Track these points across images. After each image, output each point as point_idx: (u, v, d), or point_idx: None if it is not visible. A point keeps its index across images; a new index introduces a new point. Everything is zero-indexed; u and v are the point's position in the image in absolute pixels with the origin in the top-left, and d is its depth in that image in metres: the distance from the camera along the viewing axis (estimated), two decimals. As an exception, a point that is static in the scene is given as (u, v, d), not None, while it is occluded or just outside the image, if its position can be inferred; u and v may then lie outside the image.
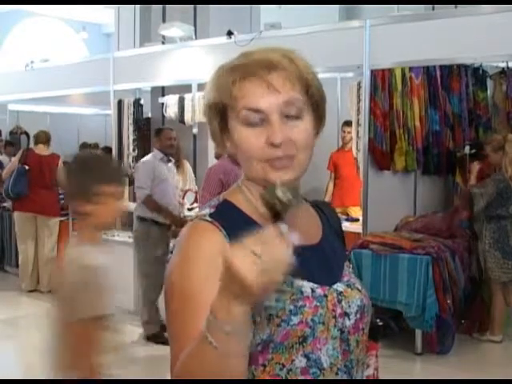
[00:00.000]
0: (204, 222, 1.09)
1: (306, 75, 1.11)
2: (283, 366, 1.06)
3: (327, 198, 6.38)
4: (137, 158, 6.96)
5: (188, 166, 6.66)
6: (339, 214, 5.67)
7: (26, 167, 6.76)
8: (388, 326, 4.90)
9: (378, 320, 1.28)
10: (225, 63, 1.14)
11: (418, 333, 4.75)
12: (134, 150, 6.96)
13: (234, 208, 1.15)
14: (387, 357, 4.56)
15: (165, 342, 4.79)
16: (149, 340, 5.20)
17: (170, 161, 5.39)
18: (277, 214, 0.96)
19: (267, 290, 0.89)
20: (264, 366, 1.06)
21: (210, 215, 1.10)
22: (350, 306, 1.14)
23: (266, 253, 0.86)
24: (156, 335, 5.10)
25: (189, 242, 1.08)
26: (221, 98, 1.11)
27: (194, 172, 6.72)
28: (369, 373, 1.24)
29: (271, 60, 1.08)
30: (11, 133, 9.57)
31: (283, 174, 1.09)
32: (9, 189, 6.74)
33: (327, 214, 1.30)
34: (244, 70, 1.09)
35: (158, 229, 5.19)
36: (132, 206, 6.27)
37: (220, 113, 1.13)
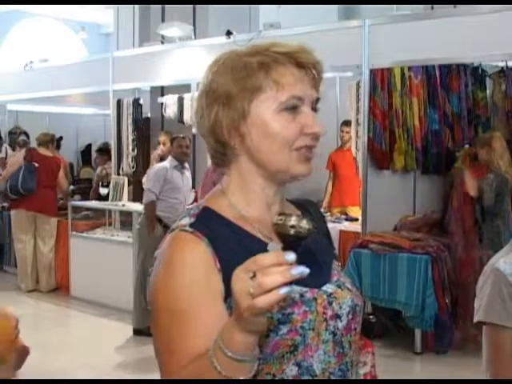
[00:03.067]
0: (185, 233, 1.05)
1: (321, 87, 1.15)
2: (274, 375, 1.03)
3: (326, 198, 6.38)
4: (136, 158, 6.97)
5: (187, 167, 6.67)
6: (338, 214, 5.66)
7: (36, 164, 6.76)
8: (386, 326, 4.90)
9: (370, 317, 1.26)
10: (238, 51, 1.11)
11: (418, 332, 4.74)
12: (133, 150, 6.96)
13: (215, 215, 1.10)
14: (387, 356, 4.56)
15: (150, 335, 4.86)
16: (136, 333, 5.25)
17: (184, 168, 5.44)
18: (290, 242, 0.89)
19: (257, 315, 0.86)
20: (254, 376, 1.01)
21: (191, 225, 1.06)
22: (341, 308, 1.11)
23: (259, 277, 0.82)
24: (143, 330, 5.15)
25: (171, 255, 1.05)
26: (252, 76, 1.06)
27: (194, 172, 6.71)
28: (366, 370, 1.21)
29: (318, 61, 1.13)
30: (10, 133, 9.56)
31: (307, 170, 1.10)
32: (18, 185, 6.71)
33: (312, 213, 1.27)
34: (293, 57, 1.09)
35: (162, 228, 5.23)
36: (132, 205, 6.29)
37: (229, 101, 1.08)
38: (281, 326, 1.02)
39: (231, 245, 1.06)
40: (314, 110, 1.11)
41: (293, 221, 0.88)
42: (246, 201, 1.12)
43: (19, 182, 6.71)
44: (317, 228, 1.20)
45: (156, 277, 1.06)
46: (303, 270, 0.84)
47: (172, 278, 1.02)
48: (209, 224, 1.07)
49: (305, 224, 0.88)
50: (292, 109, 1.07)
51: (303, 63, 1.09)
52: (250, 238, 1.08)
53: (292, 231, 0.87)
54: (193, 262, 1.02)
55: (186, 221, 1.08)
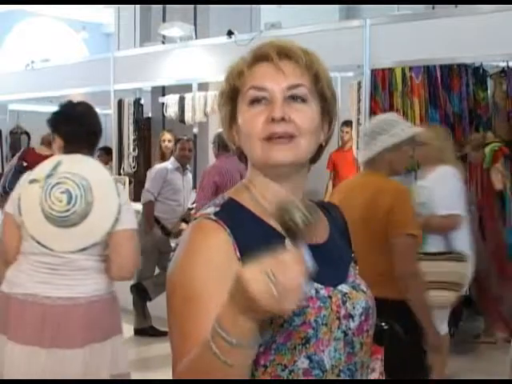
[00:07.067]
0: (208, 221, 1.07)
1: (317, 68, 1.13)
2: (285, 366, 1.04)
3: (327, 198, 6.38)
4: (137, 158, 6.97)
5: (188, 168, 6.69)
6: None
7: (25, 164, 6.73)
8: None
9: (383, 324, 1.26)
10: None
11: (419, 332, 4.73)
12: (134, 150, 6.96)
13: (239, 207, 1.13)
14: (387, 356, 4.56)
15: (153, 335, 4.88)
16: (137, 333, 5.26)
17: (185, 170, 5.43)
18: (294, 233, 0.92)
19: (278, 313, 0.88)
20: (265, 366, 1.04)
21: (215, 214, 1.08)
22: (354, 308, 1.13)
23: (281, 279, 0.84)
24: (144, 330, 5.15)
25: (192, 241, 1.06)
26: (233, 83, 1.13)
27: (194, 171, 6.72)
28: (374, 377, 1.22)
29: (286, 46, 1.11)
30: (11, 133, 9.57)
31: (282, 155, 1.08)
32: (6, 185, 6.71)
33: (333, 215, 1.29)
34: (258, 53, 1.12)
35: (160, 229, 5.21)
36: (133, 205, 6.26)
37: (231, 100, 1.15)
38: (295, 317, 1.03)
39: (253, 237, 1.07)
40: (293, 96, 1.10)
41: (295, 218, 0.91)
42: (264, 196, 1.14)
43: (7, 182, 6.71)
44: (336, 229, 1.26)
45: (175, 261, 1.07)
46: (314, 264, 0.88)
47: (190, 264, 1.03)
48: (232, 215, 1.09)
49: (305, 219, 0.92)
50: (257, 101, 1.10)
51: (266, 55, 1.11)
52: (272, 232, 1.09)
53: (295, 228, 0.91)
54: (213, 248, 1.04)
55: (211, 210, 1.10)
